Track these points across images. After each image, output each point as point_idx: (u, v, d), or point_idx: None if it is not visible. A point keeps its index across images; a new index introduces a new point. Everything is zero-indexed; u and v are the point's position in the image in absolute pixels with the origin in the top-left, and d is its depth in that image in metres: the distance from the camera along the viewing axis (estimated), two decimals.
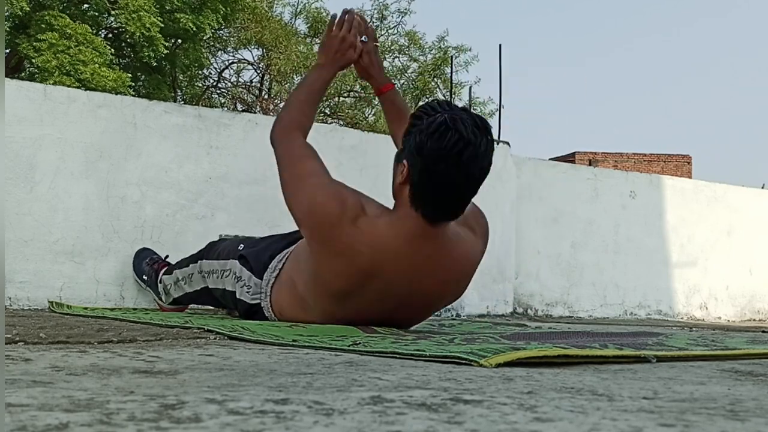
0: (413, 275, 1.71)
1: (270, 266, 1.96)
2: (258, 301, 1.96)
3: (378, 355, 1.19)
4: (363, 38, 2.00)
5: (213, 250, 2.19)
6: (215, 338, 1.45)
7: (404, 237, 1.67)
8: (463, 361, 1.09)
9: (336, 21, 1.99)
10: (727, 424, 0.62)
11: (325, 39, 2.00)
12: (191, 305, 2.47)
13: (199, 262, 2.21)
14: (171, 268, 2.35)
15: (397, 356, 1.17)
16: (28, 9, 11.41)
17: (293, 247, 1.97)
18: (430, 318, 2.07)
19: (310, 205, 1.73)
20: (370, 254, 1.67)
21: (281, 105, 18.59)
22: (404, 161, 1.66)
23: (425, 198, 1.64)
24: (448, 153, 1.58)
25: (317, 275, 1.77)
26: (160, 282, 2.37)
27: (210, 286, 2.15)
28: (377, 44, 2.06)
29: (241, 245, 2.09)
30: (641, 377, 1.00)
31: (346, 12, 2.00)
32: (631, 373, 1.05)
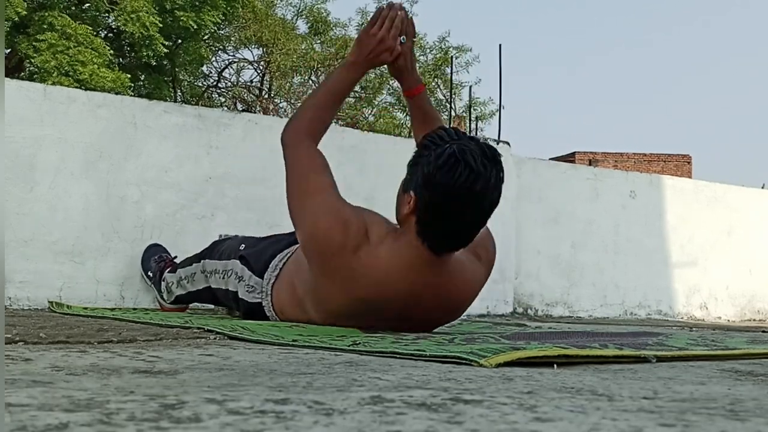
0: (412, 301, 1.68)
1: (271, 265, 1.96)
2: (259, 300, 1.96)
3: (378, 355, 1.19)
4: (402, 38, 1.84)
5: (215, 250, 2.20)
6: (215, 338, 1.45)
7: (406, 266, 1.64)
8: (463, 361, 1.09)
9: (378, 18, 1.83)
10: (727, 424, 0.62)
11: (362, 36, 1.84)
12: (192, 305, 2.47)
13: (201, 261, 2.21)
14: (175, 267, 2.36)
15: (397, 356, 1.17)
16: (24, 13, 11.40)
17: (294, 247, 1.97)
18: None
19: (313, 229, 1.68)
20: (369, 284, 1.64)
21: (281, 104, 18.64)
22: (411, 192, 1.60)
23: (432, 232, 1.60)
24: (458, 189, 1.54)
25: (316, 292, 1.75)
26: (163, 280, 2.38)
27: (212, 286, 2.16)
28: (414, 40, 1.93)
29: (242, 245, 2.09)
30: (641, 377, 1.00)
31: (390, 7, 1.84)
32: (631, 373, 1.05)
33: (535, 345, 1.26)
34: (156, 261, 2.46)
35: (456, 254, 1.70)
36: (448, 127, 1.72)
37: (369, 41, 1.82)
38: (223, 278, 2.10)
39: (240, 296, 2.02)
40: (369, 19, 1.86)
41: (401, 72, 1.90)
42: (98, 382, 0.79)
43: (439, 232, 1.60)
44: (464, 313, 3.04)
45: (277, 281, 1.93)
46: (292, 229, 1.95)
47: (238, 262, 2.05)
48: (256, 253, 2.03)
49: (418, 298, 1.68)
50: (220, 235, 2.52)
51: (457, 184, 1.53)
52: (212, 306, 2.43)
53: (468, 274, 1.77)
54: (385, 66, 1.90)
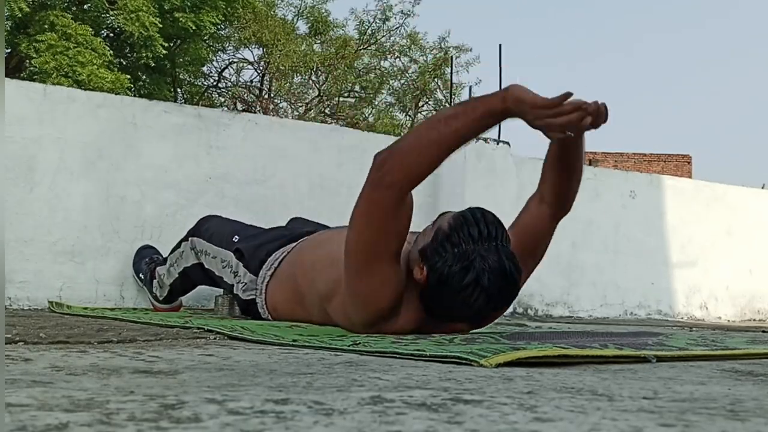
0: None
1: (266, 263, 2.00)
2: (252, 297, 1.99)
3: (378, 355, 1.19)
4: (570, 133, 1.53)
5: (203, 229, 2.22)
6: (215, 338, 1.45)
7: (412, 326, 1.65)
8: (463, 361, 1.09)
9: (569, 99, 1.49)
10: (727, 424, 0.62)
11: (539, 99, 1.48)
12: (187, 302, 2.47)
13: (190, 239, 2.24)
14: (165, 260, 2.38)
15: (397, 356, 1.17)
16: (28, 10, 11.40)
17: (290, 246, 1.99)
18: None
19: (370, 293, 1.58)
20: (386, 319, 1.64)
21: (281, 105, 18.63)
22: (425, 267, 1.57)
23: (434, 312, 1.63)
24: (470, 307, 1.56)
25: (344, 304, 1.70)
26: (155, 277, 2.39)
27: (205, 266, 2.19)
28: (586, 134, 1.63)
29: (236, 237, 2.11)
30: (641, 377, 1.00)
31: (593, 103, 1.51)
32: (631, 373, 1.05)
33: (535, 345, 1.25)
34: (147, 263, 2.46)
35: None
36: (479, 213, 1.59)
37: (544, 106, 1.48)
38: (218, 267, 2.13)
39: (234, 291, 2.07)
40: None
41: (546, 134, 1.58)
42: (98, 382, 0.79)
43: (442, 315, 1.63)
44: None
45: (272, 280, 1.97)
46: (284, 223, 1.94)
47: (233, 255, 2.08)
48: (252, 249, 2.06)
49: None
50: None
51: (469, 304, 1.56)
52: (211, 306, 2.43)
53: None
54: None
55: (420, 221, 3.37)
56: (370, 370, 0.99)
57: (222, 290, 2.27)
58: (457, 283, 1.53)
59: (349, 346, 1.29)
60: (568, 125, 1.49)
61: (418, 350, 1.19)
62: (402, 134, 3.46)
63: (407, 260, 1.63)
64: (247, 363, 1.04)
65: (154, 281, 2.40)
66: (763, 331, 2.47)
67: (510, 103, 1.50)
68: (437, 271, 1.55)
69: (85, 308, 2.28)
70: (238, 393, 0.73)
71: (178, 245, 2.31)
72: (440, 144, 1.52)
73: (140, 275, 2.49)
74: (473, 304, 1.55)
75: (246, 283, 2.03)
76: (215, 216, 2.33)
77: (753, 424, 0.63)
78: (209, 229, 2.21)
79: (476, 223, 1.57)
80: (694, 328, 2.58)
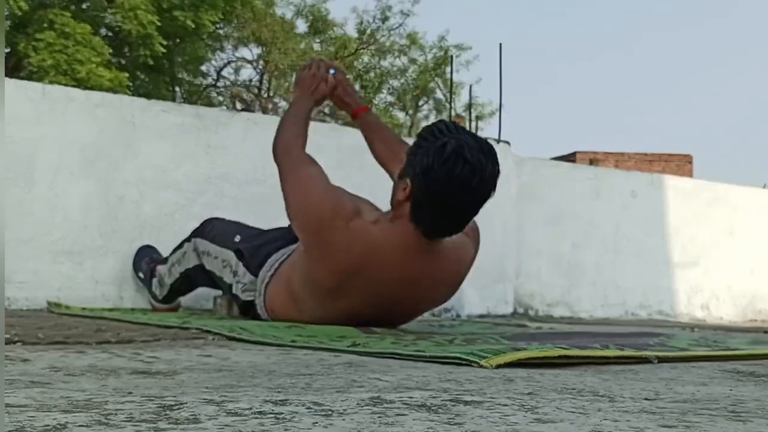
0: (405, 282, 1.74)
1: (266, 264, 2.00)
2: (252, 298, 1.99)
3: (377, 356, 1.19)
4: (331, 71, 2.11)
5: (207, 230, 2.23)
6: (213, 339, 1.45)
7: (399, 247, 1.70)
8: (464, 362, 1.09)
9: (310, 63, 2.14)
10: (728, 425, 0.62)
11: (299, 75, 2.11)
12: (186, 303, 2.47)
13: (192, 240, 2.25)
14: (166, 259, 2.37)
15: (397, 357, 1.17)
16: (27, 8, 11.40)
17: (291, 248, 1.99)
18: (430, 318, 2.07)
19: (305, 204, 1.76)
20: (360, 254, 1.70)
21: (280, 104, 18.65)
22: (408, 180, 1.67)
23: (427, 218, 1.67)
24: (456, 182, 1.61)
25: (309, 273, 1.79)
26: (155, 275, 2.38)
27: (206, 267, 2.19)
28: (345, 74, 2.23)
29: (238, 236, 2.12)
30: (643, 378, 0.99)
31: (311, 59, 2.18)
32: (632, 373, 1.05)
33: (535, 346, 1.25)
34: (147, 262, 2.46)
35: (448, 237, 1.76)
36: (447, 120, 1.78)
37: (303, 78, 2.08)
38: (219, 268, 2.13)
39: (233, 291, 2.07)
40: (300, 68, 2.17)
41: (342, 99, 2.13)
42: (96, 383, 0.79)
43: (434, 220, 1.68)
44: (464, 314, 3.04)
45: (271, 281, 1.97)
46: (286, 223, 1.97)
47: (233, 255, 2.08)
48: (253, 250, 2.06)
49: (411, 279, 1.73)
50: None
51: (455, 177, 1.61)
52: (210, 306, 2.43)
53: (461, 253, 1.84)
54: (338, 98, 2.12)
55: None
56: (370, 371, 0.98)
57: (221, 291, 2.27)
58: (438, 164, 1.61)
59: (348, 347, 1.29)
60: (324, 67, 2.08)
61: (417, 351, 1.19)
62: (401, 134, 3.50)
63: (393, 205, 1.74)
64: (245, 364, 1.04)
65: (154, 280, 2.40)
66: (765, 332, 2.47)
67: (295, 89, 2.10)
68: (417, 167, 1.64)
69: (84, 308, 2.28)
70: (236, 394, 0.72)
71: (180, 245, 2.31)
72: (290, 123, 1.99)
73: (140, 274, 2.49)
74: (458, 182, 1.61)
75: (245, 284, 2.03)
76: (219, 219, 2.33)
77: (755, 425, 0.63)
78: (213, 230, 2.21)
79: (440, 122, 1.73)
80: (695, 329, 2.57)
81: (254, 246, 2.07)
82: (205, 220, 2.30)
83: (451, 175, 1.60)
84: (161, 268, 2.37)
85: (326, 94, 2.09)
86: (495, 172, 1.66)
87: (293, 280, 1.88)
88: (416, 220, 1.67)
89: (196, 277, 2.26)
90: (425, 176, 1.63)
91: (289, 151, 1.90)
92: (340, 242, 1.70)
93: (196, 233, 2.25)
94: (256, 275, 2.01)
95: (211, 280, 2.20)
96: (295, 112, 2.05)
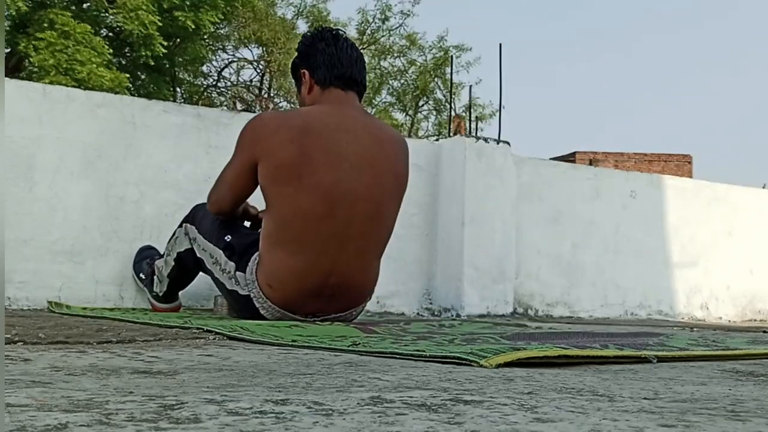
0: (349, 137, 1.97)
1: (251, 259, 2.04)
2: (247, 293, 2.02)
3: (377, 356, 1.19)
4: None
5: (197, 217, 2.25)
6: (214, 338, 1.45)
7: (328, 103, 2.02)
8: (463, 362, 1.09)
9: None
10: (728, 425, 0.62)
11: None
12: (187, 303, 2.47)
13: (184, 225, 2.27)
14: (163, 254, 2.38)
15: (397, 356, 1.17)
16: (26, 9, 11.40)
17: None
18: (430, 318, 2.07)
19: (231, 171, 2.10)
20: (302, 122, 1.96)
21: (281, 104, 18.62)
22: (301, 71, 2.08)
23: (326, 72, 2.03)
24: (324, 35, 2.08)
25: (282, 215, 1.97)
26: (155, 272, 2.39)
27: (197, 254, 2.21)
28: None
29: (228, 236, 2.12)
30: (642, 378, 1.00)
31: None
32: (631, 373, 1.05)
33: (535, 345, 1.25)
34: (148, 263, 2.46)
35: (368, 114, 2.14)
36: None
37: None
38: (207, 259, 2.16)
39: (229, 288, 2.09)
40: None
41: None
42: (97, 383, 0.79)
43: (331, 70, 2.03)
44: (464, 314, 3.04)
45: (258, 265, 2.01)
46: None
47: (222, 252, 2.11)
48: (242, 248, 2.09)
49: (353, 132, 1.98)
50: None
51: (322, 33, 2.10)
52: (211, 306, 2.43)
53: (390, 131, 2.16)
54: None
55: (420, 221, 3.37)
56: (370, 370, 0.99)
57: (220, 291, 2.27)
58: (308, 39, 2.11)
59: (348, 346, 1.29)
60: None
61: (417, 350, 1.19)
62: (402, 134, 3.50)
63: (306, 101, 2.10)
64: (246, 363, 1.04)
65: (155, 277, 2.40)
66: (764, 332, 2.47)
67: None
68: (301, 54, 2.11)
69: (85, 308, 2.28)
70: (237, 393, 0.73)
71: (173, 234, 2.33)
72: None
73: (141, 275, 2.49)
74: (327, 36, 2.08)
75: (239, 280, 2.05)
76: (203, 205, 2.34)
77: (754, 424, 0.63)
78: (203, 219, 2.22)
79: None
80: (694, 329, 2.58)
81: (244, 244, 2.09)
82: (197, 205, 2.31)
83: (318, 35, 2.09)
84: (159, 262, 2.39)
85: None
86: (353, 42, 2.13)
87: (276, 234, 1.98)
88: (324, 84, 2.04)
89: (189, 260, 2.26)
90: (306, 49, 2.08)
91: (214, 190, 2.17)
92: (279, 150, 1.94)
93: (187, 219, 2.28)
94: (243, 271, 2.04)
95: (200, 266, 2.22)
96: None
